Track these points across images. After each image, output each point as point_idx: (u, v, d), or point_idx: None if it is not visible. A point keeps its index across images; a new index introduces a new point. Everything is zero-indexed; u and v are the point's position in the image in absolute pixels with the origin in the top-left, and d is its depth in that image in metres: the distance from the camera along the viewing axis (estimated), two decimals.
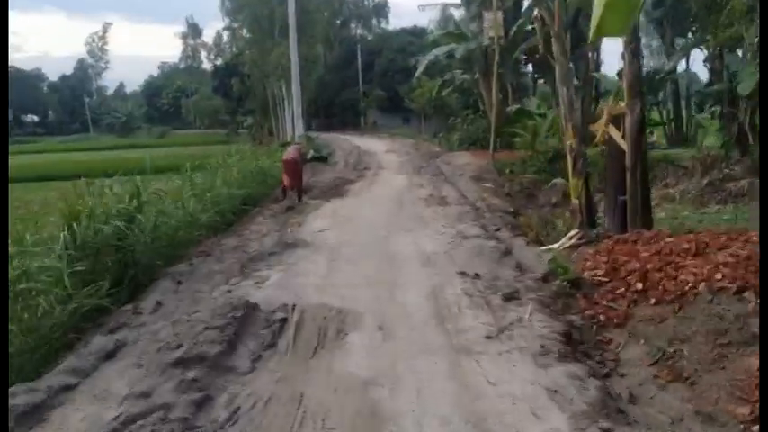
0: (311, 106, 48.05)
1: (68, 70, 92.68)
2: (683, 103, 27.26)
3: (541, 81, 29.12)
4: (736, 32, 17.64)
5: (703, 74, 33.08)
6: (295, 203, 12.34)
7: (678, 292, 4.98)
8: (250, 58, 37.53)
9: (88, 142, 62.83)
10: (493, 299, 5.78)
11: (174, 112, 77.76)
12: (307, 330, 5.08)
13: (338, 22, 55.49)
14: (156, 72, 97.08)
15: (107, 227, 7.10)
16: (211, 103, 58.74)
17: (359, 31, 60.08)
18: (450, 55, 23.63)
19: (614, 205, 7.51)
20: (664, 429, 3.71)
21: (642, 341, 4.76)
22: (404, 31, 56.72)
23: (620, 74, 23.05)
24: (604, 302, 5.52)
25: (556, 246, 7.61)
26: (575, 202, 7.82)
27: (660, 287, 5.21)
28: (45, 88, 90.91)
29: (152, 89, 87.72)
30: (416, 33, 53.76)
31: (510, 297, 5.79)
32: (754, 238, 5.46)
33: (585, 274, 6.15)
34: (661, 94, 26.14)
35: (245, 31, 40.51)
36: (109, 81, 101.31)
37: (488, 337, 4.82)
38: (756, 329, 4.13)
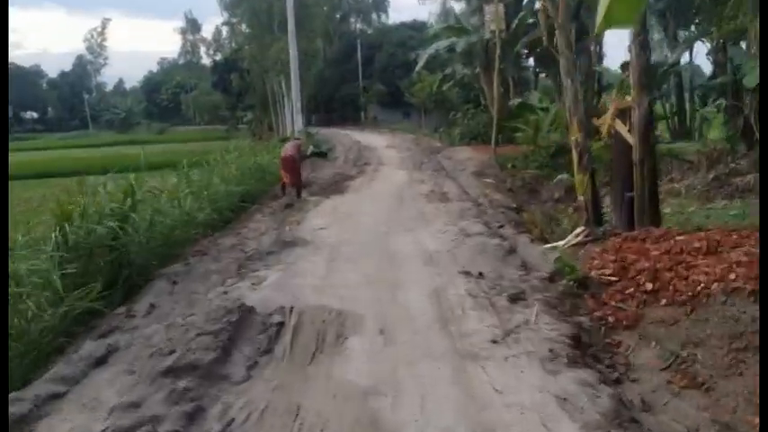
0: (311, 101, 47.79)
1: (68, 67, 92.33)
2: (686, 96, 26.97)
3: (543, 75, 28.88)
4: (740, 24, 17.39)
5: (707, 66, 32.94)
6: (294, 200, 12.15)
7: (690, 293, 4.79)
8: (249, 54, 37.28)
9: (87, 139, 62.55)
10: (498, 300, 5.58)
11: (173, 108, 77.48)
12: (305, 335, 4.89)
13: (337, 16, 55.07)
14: (155, 68, 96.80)
15: (100, 227, 6.91)
16: (211, 98, 58.51)
17: (358, 26, 59.72)
18: (450, 49, 23.37)
19: (621, 201, 7.30)
20: None
21: (654, 344, 4.58)
22: (404, 25, 56.40)
23: (623, 66, 22.87)
24: (613, 303, 5.33)
25: (561, 243, 7.41)
26: (580, 198, 7.61)
27: (671, 287, 5.02)
28: (44, 85, 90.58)
29: (151, 85, 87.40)
30: (416, 27, 53.40)
31: (515, 298, 5.60)
32: None
33: (593, 274, 5.95)
34: (664, 88, 25.85)
35: (244, 26, 40.24)
36: (108, 77, 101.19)
37: (494, 341, 4.62)
38: None
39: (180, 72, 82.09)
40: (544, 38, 8.10)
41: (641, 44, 6.69)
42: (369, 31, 58.65)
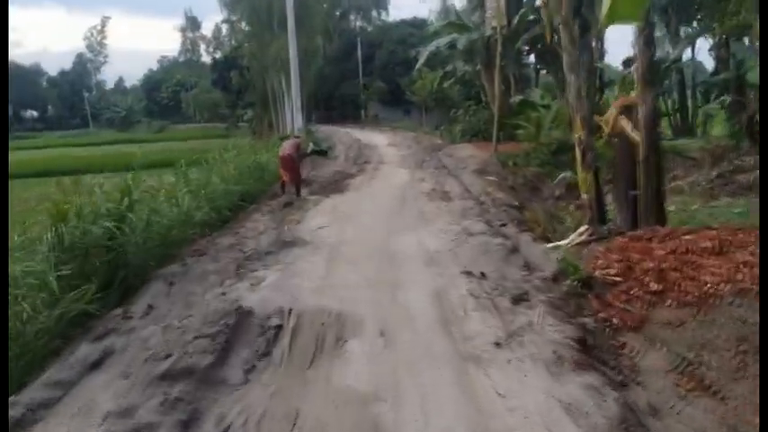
0: (311, 99, 47.61)
1: (68, 65, 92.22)
2: (688, 92, 26.82)
3: (544, 72, 28.74)
4: (743, 20, 17.25)
5: (709, 63, 32.75)
6: (293, 199, 12.03)
7: (698, 294, 4.70)
8: (249, 51, 37.15)
9: (88, 137, 62.47)
10: (500, 301, 5.48)
11: (173, 106, 77.38)
12: (303, 337, 4.79)
13: (337, 13, 54.92)
14: (155, 66, 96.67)
15: (96, 227, 6.82)
16: (211, 96, 58.38)
17: (358, 23, 59.50)
18: (451, 46, 23.23)
19: (625, 200, 7.19)
20: None
21: (660, 346, 4.47)
22: (404, 22, 56.19)
23: (625, 63, 22.75)
24: (618, 304, 5.22)
25: (564, 243, 7.30)
26: (584, 196, 7.50)
27: (678, 288, 4.92)
28: (44, 83, 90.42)
29: (151, 83, 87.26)
30: (417, 25, 53.25)
31: (518, 299, 5.50)
32: None
33: (597, 274, 5.84)
34: (666, 84, 25.72)
35: (243, 24, 40.06)
36: (108, 75, 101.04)
37: (497, 344, 4.53)
38: None
39: (180, 70, 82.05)
40: (547, 34, 7.97)
41: (646, 40, 6.58)
42: (369, 29, 58.45)
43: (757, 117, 13.20)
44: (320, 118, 50.64)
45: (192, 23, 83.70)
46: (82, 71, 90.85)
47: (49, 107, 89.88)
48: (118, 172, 9.33)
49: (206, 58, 70.08)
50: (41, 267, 6.00)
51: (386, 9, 60.73)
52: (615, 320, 5.02)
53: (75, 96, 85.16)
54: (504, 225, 9.22)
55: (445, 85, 30.14)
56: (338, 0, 53.18)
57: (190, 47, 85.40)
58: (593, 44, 19.91)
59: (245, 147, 18.07)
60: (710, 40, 25.77)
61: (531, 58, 27.52)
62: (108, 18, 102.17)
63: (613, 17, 6.60)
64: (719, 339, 4.24)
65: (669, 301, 4.84)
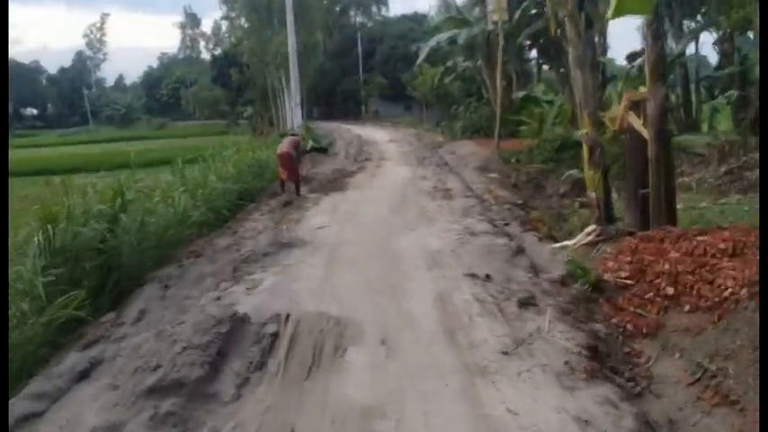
0: (311, 95, 47.40)
1: (67, 63, 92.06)
2: (692, 87, 26.54)
3: (546, 67, 28.44)
4: (749, 14, 16.98)
5: (713, 57, 32.40)
6: (293, 198, 11.79)
7: (716, 299, 4.45)
8: (248, 48, 36.89)
9: (87, 135, 62.29)
10: (507, 305, 5.24)
11: (173, 104, 77.18)
12: (301, 346, 4.55)
13: (337, 9, 54.68)
14: (155, 63, 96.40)
15: (87, 229, 6.59)
16: (211, 93, 58.16)
17: (358, 19, 59.25)
18: (452, 41, 22.95)
19: (635, 199, 6.94)
20: None
21: (678, 355, 4.23)
22: (404, 17, 55.97)
23: (629, 57, 22.47)
24: (631, 309, 4.99)
25: (571, 243, 7.05)
26: (591, 195, 7.25)
27: (695, 292, 4.67)
28: (44, 81, 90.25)
29: (151, 80, 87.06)
30: (417, 20, 53.01)
31: (526, 303, 5.26)
32: None
33: (607, 276, 5.61)
34: (670, 79, 25.41)
35: (243, 20, 39.81)
36: (108, 73, 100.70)
37: (504, 353, 4.29)
38: None
39: (180, 67, 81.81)
40: (552, 28, 7.71)
41: (655, 33, 6.32)
42: (369, 24, 58.21)
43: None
44: (321, 114, 50.49)
45: (192, 20, 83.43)
46: (81, 68, 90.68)
47: (49, 105, 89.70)
48: (117, 170, 9.12)
49: (206, 55, 69.82)
50: (29, 272, 5.78)
51: (386, 4, 60.51)
52: (628, 326, 4.79)
53: (75, 94, 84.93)
54: (507, 224, 8.99)
55: (446, 80, 29.86)
56: None
57: (189, 44, 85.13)
58: (596, 39, 19.67)
59: (243, 144, 17.83)
60: (714, 35, 25.52)
61: (533, 53, 27.28)
62: (107, 15, 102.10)
63: (621, 10, 6.35)
64: (744, 349, 3.98)
65: (686, 306, 4.59)
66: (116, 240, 6.87)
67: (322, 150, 20.88)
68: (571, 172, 12.07)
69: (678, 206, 9.34)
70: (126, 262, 6.95)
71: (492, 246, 7.43)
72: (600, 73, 19.99)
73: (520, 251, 7.17)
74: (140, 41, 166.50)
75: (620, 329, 4.81)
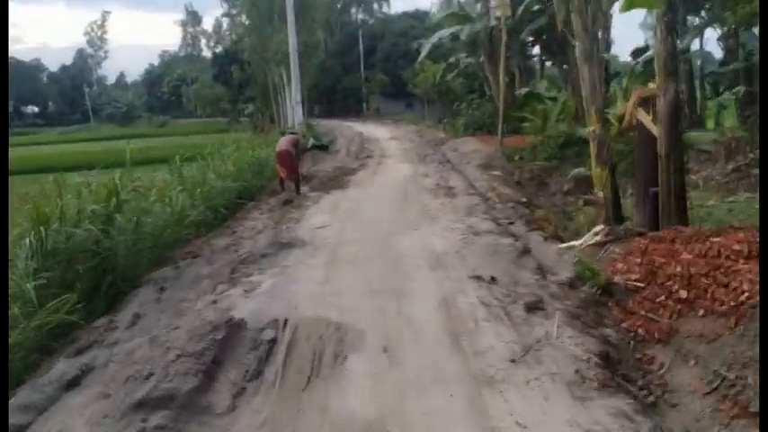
0: (313, 92, 47.22)
1: (68, 61, 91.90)
2: (696, 83, 26.26)
3: (549, 63, 28.20)
4: (754, 9, 16.71)
5: (717, 53, 32.10)
6: (293, 196, 11.61)
7: (733, 303, 4.25)
8: (249, 45, 36.69)
9: (88, 133, 62.12)
10: (514, 309, 5.05)
11: (174, 101, 77.08)
12: (299, 353, 4.37)
13: (338, 6, 54.43)
14: (156, 61, 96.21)
15: (80, 230, 6.41)
16: (212, 91, 58.02)
17: (360, 16, 59.05)
18: (454, 37, 22.71)
19: (644, 197, 6.73)
20: None
21: (693, 363, 4.04)
22: (406, 14, 55.69)
23: (634, 53, 22.21)
24: (642, 313, 4.80)
25: (578, 243, 6.86)
26: (599, 193, 7.06)
27: (709, 296, 4.48)
28: (45, 79, 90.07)
29: (152, 78, 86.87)
30: (418, 17, 52.76)
31: (533, 307, 5.07)
32: None
33: (617, 279, 5.42)
34: None
35: (244, 18, 39.59)
36: (109, 71, 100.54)
37: (512, 361, 4.10)
38: None
39: (181, 65, 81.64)
40: (559, 22, 7.50)
41: (667, 26, 6.11)
42: (370, 21, 57.98)
43: None
44: (322, 112, 50.30)
45: (193, 18, 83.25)
46: (83, 66, 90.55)
47: (50, 103, 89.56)
48: (117, 168, 8.94)
49: (207, 53, 69.67)
50: (20, 274, 5.61)
51: (387, 1, 60.34)
52: (640, 331, 4.60)
53: (76, 92, 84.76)
54: (512, 223, 8.81)
55: (448, 77, 29.62)
56: None
57: (191, 41, 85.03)
58: (599, 34, 19.46)
59: (242, 141, 17.64)
60: (719, 30, 25.22)
61: (536, 49, 27.05)
62: (108, 13, 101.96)
63: (632, 3, 6.16)
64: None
65: (701, 311, 4.40)
66: (111, 241, 6.69)
67: (323, 148, 20.73)
68: (578, 170, 11.86)
69: None
70: (121, 263, 6.77)
71: (497, 246, 7.25)
72: (603, 69, 19.78)
73: (526, 252, 6.98)
74: (141, 39, 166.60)
75: (632, 334, 4.63)
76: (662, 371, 4.13)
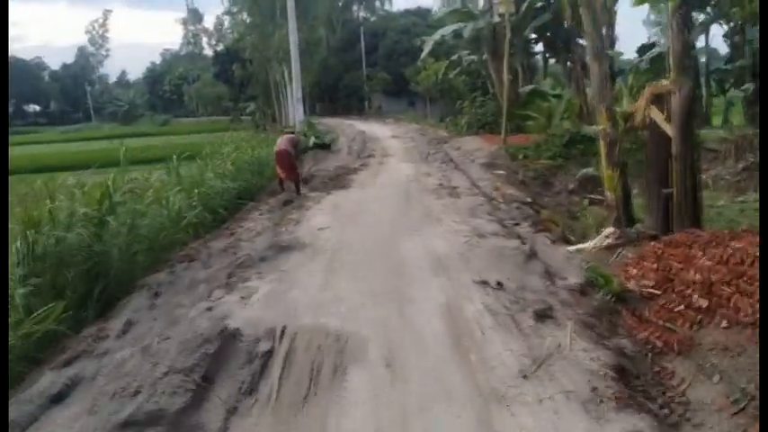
0: (314, 91, 46.97)
1: (70, 59, 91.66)
2: (701, 80, 25.95)
3: (552, 61, 27.89)
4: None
5: (723, 50, 31.76)
6: (293, 197, 11.36)
7: (758, 315, 4.00)
8: (251, 43, 36.47)
9: (90, 131, 61.91)
10: (522, 318, 4.80)
11: (176, 100, 76.83)
12: (297, 367, 4.12)
13: (340, 3, 54.10)
14: (157, 59, 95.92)
15: (71, 234, 6.17)
16: (214, 89, 57.76)
17: (361, 13, 58.65)
18: (457, 35, 22.43)
19: (657, 199, 6.48)
20: None
21: (717, 378, 3.79)
22: (408, 11, 55.36)
23: (640, 50, 21.90)
24: (659, 322, 4.55)
25: (588, 246, 6.61)
26: (610, 195, 6.80)
27: (732, 306, 4.23)
28: (46, 78, 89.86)
29: (154, 76, 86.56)
30: (421, 14, 52.48)
31: (543, 315, 4.82)
32: None
33: (631, 285, 5.17)
34: None
35: (245, 16, 39.35)
36: (111, 69, 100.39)
37: (523, 376, 3.85)
38: None
39: (182, 63, 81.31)
40: (567, 17, 7.24)
41: (682, 20, 5.85)
42: (372, 19, 57.61)
43: None
44: (324, 110, 50.03)
45: (194, 16, 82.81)
46: (84, 65, 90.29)
47: (52, 102, 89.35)
48: (115, 168, 8.74)
49: (208, 51, 69.37)
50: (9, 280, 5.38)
51: None
52: (657, 342, 4.34)
53: (78, 90, 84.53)
54: (517, 224, 8.56)
55: (450, 75, 29.34)
56: None
57: (192, 40, 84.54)
58: (604, 31, 19.18)
59: (242, 140, 17.38)
60: (725, 27, 24.93)
61: (539, 46, 26.73)
62: (110, 11, 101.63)
63: None
64: None
65: (723, 322, 4.15)
66: (103, 246, 6.45)
67: (324, 147, 20.48)
68: (586, 170, 11.60)
69: None
70: (114, 268, 6.53)
71: (502, 249, 7.00)
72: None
73: (532, 255, 6.71)
74: (143, 38, 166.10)
75: (649, 346, 4.37)
76: (683, 386, 3.87)
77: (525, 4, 19.82)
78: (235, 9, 43.35)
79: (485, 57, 22.78)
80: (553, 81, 24.79)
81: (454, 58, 27.71)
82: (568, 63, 22.96)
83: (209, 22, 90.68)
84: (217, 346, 4.19)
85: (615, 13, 22.21)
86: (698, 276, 4.65)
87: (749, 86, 18.14)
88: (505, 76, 18.40)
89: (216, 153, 13.22)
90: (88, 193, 7.31)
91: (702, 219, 6.28)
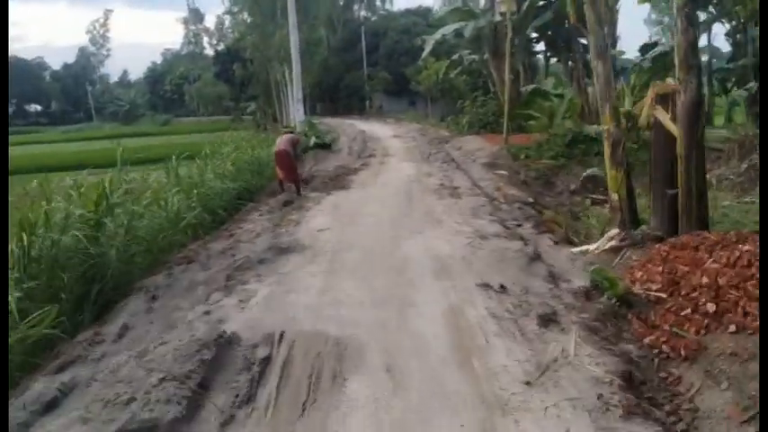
0: (315, 90, 46.88)
1: (71, 59, 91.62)
2: (704, 79, 25.79)
3: (554, 60, 27.76)
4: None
5: (725, 48, 31.60)
6: (293, 197, 11.27)
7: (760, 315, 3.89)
8: (251, 43, 36.39)
9: (91, 131, 61.85)
10: (526, 323, 4.71)
11: (177, 100, 76.78)
12: (296, 374, 4.02)
13: (341, 3, 53.99)
14: (158, 59, 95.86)
15: (67, 236, 6.08)
16: (215, 89, 57.70)
17: (362, 13, 58.50)
18: (458, 34, 22.31)
19: (662, 200, 6.37)
20: None
21: (726, 385, 3.68)
22: (408, 11, 55.23)
23: (642, 49, 21.77)
24: (666, 327, 4.44)
25: (592, 247, 6.51)
26: (614, 196, 6.70)
27: (741, 311, 4.13)
28: (47, 77, 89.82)
29: (155, 76, 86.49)
30: (421, 13, 52.36)
31: (547, 320, 4.72)
32: None
33: (637, 288, 5.07)
34: None
35: (245, 15, 39.27)
36: (112, 69, 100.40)
37: (527, 383, 3.75)
38: None
39: (183, 63, 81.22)
40: (571, 16, 7.14)
41: (688, 17, 5.74)
42: (373, 18, 57.48)
43: None
44: (324, 109, 49.95)
45: (195, 16, 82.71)
46: (85, 65, 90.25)
47: (53, 101, 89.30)
48: (114, 168, 8.66)
49: (209, 51, 69.30)
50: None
51: None
52: (665, 348, 4.24)
53: (79, 90, 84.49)
54: (520, 225, 8.46)
55: (451, 74, 29.24)
56: None
57: (193, 39, 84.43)
58: (605, 30, 19.06)
59: (242, 140, 17.29)
60: (727, 25, 24.78)
61: (541, 45, 26.61)
62: (110, 11, 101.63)
63: None
64: None
65: (732, 327, 4.05)
66: (100, 248, 6.36)
67: (325, 146, 20.39)
68: (591, 170, 11.49)
69: None
70: (111, 270, 6.43)
71: (505, 251, 6.90)
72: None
73: (536, 257, 6.61)
74: (143, 37, 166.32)
75: (655, 351, 4.27)
76: (691, 393, 3.78)
77: (527, 3, 19.71)
78: (235, 9, 43.25)
79: (486, 56, 22.67)
80: (555, 80, 24.65)
81: (455, 57, 27.62)
82: (570, 62, 22.86)
83: (210, 21, 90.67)
84: (214, 353, 4.09)
85: (617, 11, 22.08)
86: (705, 279, 4.55)
87: (753, 85, 17.98)
88: (507, 76, 18.29)
89: (216, 153, 13.11)
90: (85, 195, 7.22)
91: (708, 220, 6.16)
